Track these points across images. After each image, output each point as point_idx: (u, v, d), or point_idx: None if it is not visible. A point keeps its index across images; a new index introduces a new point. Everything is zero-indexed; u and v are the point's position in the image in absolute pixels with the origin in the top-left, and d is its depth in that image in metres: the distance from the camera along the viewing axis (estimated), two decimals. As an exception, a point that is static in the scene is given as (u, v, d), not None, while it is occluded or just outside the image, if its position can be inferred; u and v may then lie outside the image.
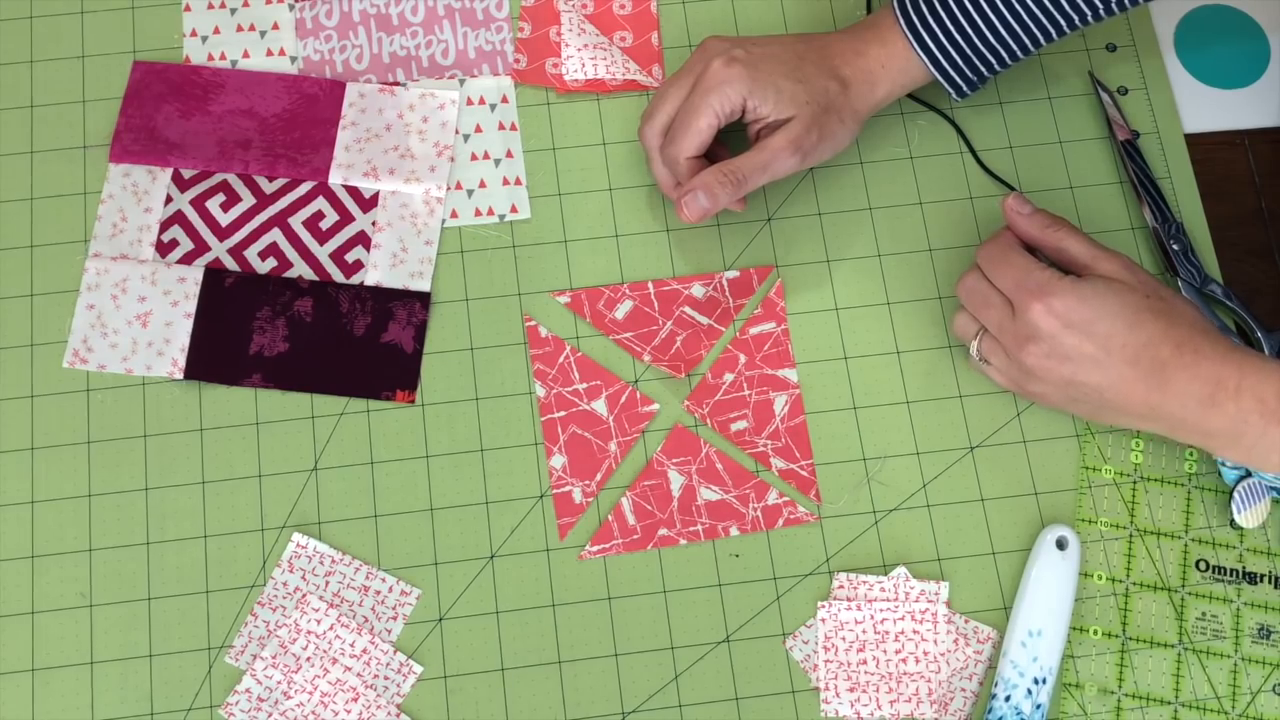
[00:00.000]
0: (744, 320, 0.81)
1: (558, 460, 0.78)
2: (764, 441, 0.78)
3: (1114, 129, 0.85)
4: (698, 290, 0.82)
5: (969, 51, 0.79)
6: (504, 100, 0.86)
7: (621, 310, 0.81)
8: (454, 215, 0.83)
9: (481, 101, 0.86)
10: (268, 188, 0.83)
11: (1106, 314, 0.70)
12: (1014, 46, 0.79)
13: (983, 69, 0.80)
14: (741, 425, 0.79)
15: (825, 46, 0.80)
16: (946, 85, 0.80)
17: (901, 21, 0.79)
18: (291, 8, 0.87)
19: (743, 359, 0.80)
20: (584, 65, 0.85)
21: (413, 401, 0.79)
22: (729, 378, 0.80)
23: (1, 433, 0.78)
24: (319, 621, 0.75)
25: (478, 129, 0.85)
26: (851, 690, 0.74)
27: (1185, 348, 0.70)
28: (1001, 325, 0.73)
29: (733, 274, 0.82)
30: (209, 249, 0.81)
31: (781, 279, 0.82)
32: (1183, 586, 0.77)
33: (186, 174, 0.83)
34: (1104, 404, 0.72)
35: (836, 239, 0.84)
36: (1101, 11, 0.78)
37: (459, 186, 0.84)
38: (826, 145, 0.78)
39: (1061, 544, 0.75)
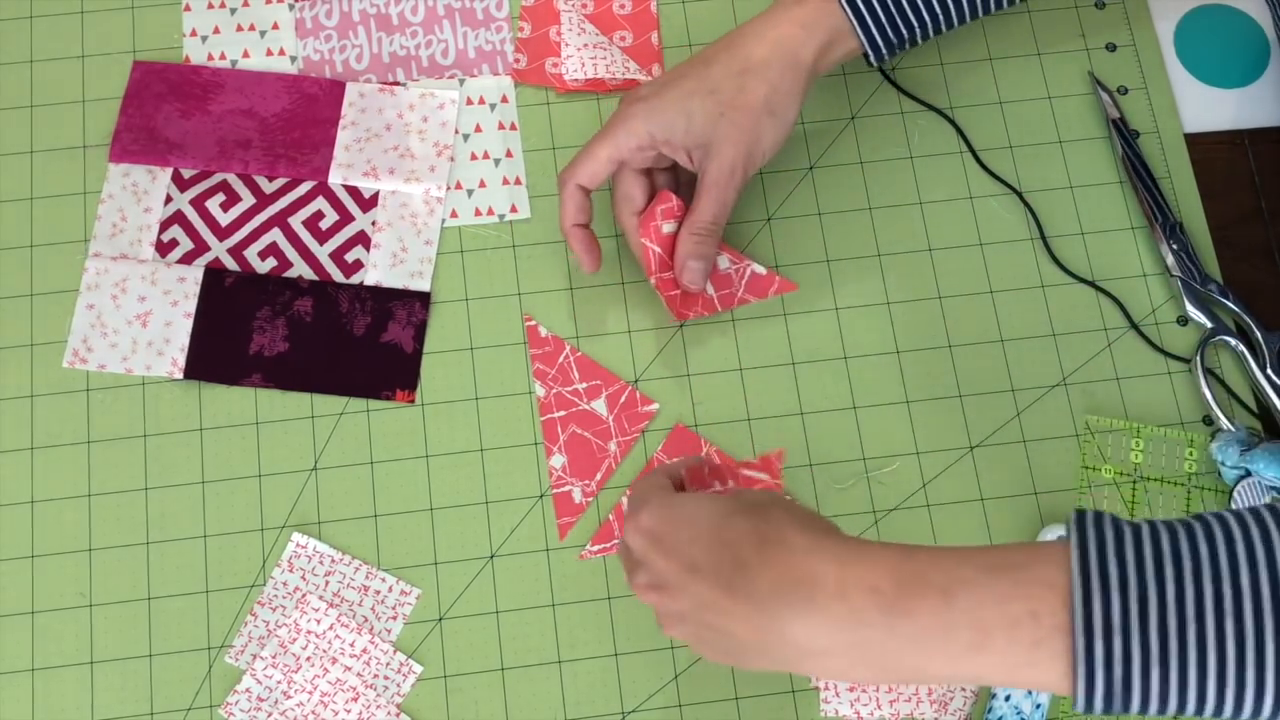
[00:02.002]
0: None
1: (557, 460, 0.78)
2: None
3: (1110, 121, 0.85)
4: (723, 261, 0.81)
5: (891, 6, 0.75)
6: (504, 100, 0.86)
7: (667, 227, 0.78)
8: (454, 215, 0.83)
9: (481, 101, 0.86)
10: (267, 187, 0.83)
11: (689, 521, 0.60)
12: (940, 14, 0.76)
13: (905, 30, 0.76)
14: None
15: (736, 35, 0.75)
16: (865, 42, 0.76)
17: None
18: (291, 7, 0.87)
19: (732, 484, 0.71)
20: (584, 65, 0.85)
21: (412, 401, 0.79)
22: (717, 486, 0.71)
23: (1, 433, 0.78)
24: (319, 621, 0.75)
25: (477, 129, 0.85)
26: (851, 690, 0.74)
27: (772, 543, 0.58)
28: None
29: (759, 269, 0.81)
30: (209, 249, 0.82)
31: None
32: (1182, 586, 0.76)
33: (186, 174, 0.83)
34: (719, 642, 0.60)
35: (836, 239, 0.84)
36: None
37: (459, 186, 0.84)
38: (765, 145, 0.75)
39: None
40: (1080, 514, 0.56)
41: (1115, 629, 0.52)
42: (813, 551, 0.58)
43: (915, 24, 0.77)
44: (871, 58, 0.78)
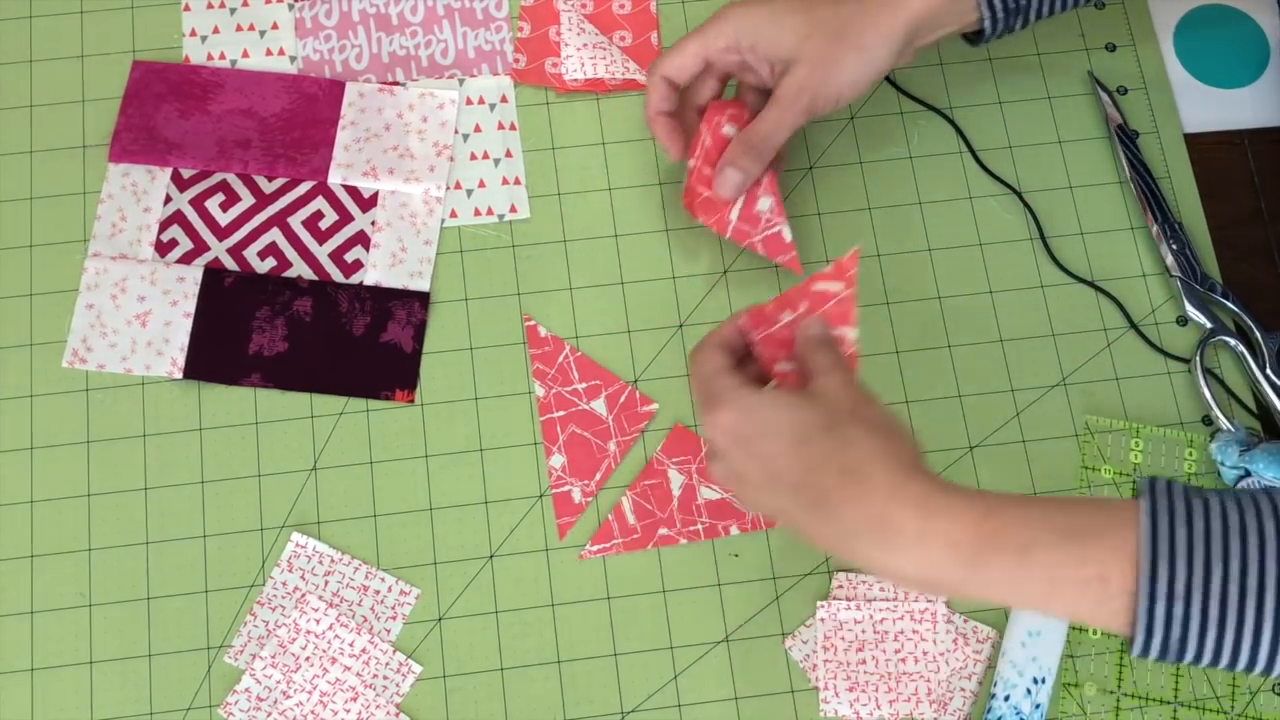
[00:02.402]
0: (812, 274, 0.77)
1: (557, 460, 0.78)
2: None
3: (1112, 126, 0.85)
4: (765, 203, 0.78)
5: None
6: (503, 100, 0.86)
7: (728, 129, 0.77)
8: (453, 215, 0.83)
9: (481, 101, 0.86)
10: (267, 187, 0.83)
11: (771, 431, 0.62)
12: None
13: None
14: (785, 367, 0.72)
15: None
16: (985, 5, 0.74)
17: None
18: (291, 7, 0.87)
19: (804, 306, 0.72)
20: (583, 64, 0.85)
21: (412, 401, 0.79)
22: (787, 316, 0.72)
23: (1, 433, 0.78)
24: (318, 621, 0.75)
25: (477, 128, 0.85)
26: (851, 690, 0.74)
27: (852, 476, 0.60)
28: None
29: (787, 235, 0.78)
30: (208, 249, 0.82)
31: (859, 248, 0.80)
32: (1182, 586, 0.76)
33: (186, 174, 0.83)
34: (799, 533, 0.64)
35: (836, 239, 0.84)
36: None
37: (458, 186, 0.84)
38: (843, 78, 0.73)
39: (1061, 544, 0.75)
40: (1151, 481, 0.59)
41: (1178, 596, 0.56)
42: (895, 496, 0.59)
43: None
44: (986, 20, 0.75)
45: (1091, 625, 0.61)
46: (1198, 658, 0.57)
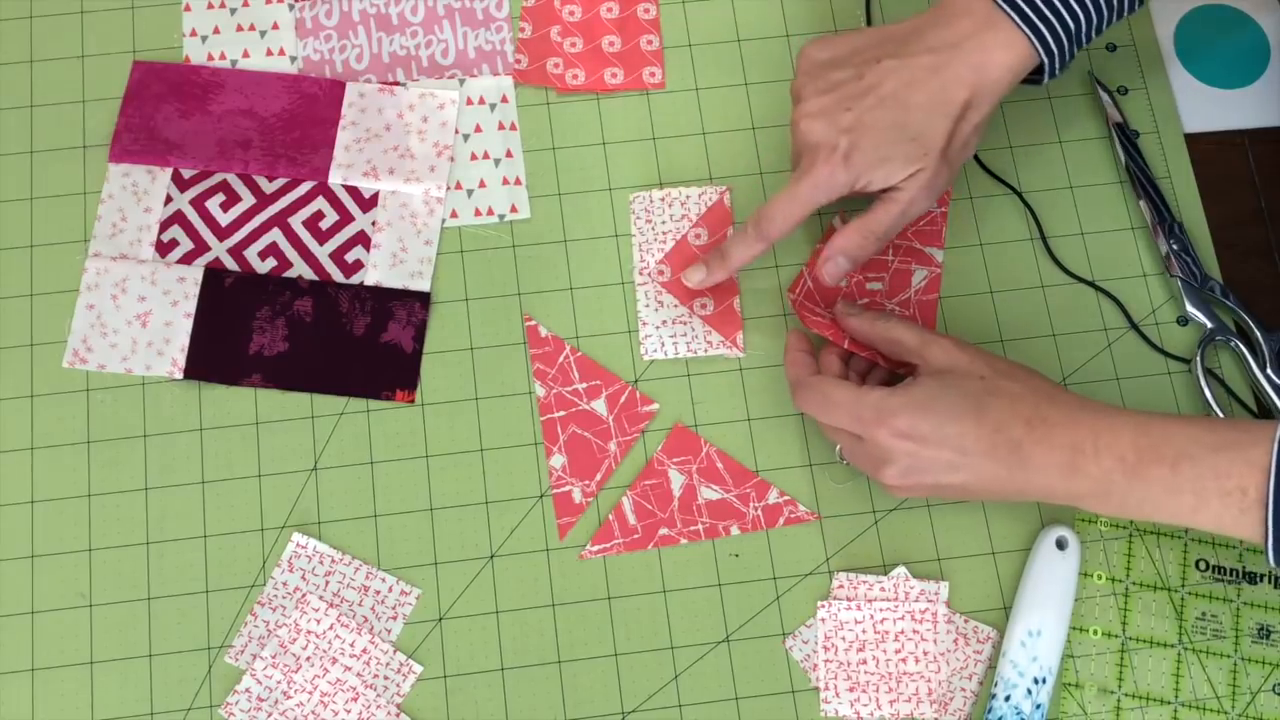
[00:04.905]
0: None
1: (557, 460, 0.78)
2: (893, 306, 0.81)
3: (1112, 126, 0.85)
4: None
5: (1065, 14, 0.73)
6: (504, 100, 0.86)
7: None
8: (454, 215, 0.83)
9: (481, 101, 0.86)
10: (267, 188, 0.83)
11: (950, 415, 0.69)
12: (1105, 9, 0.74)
13: (1074, 29, 0.73)
14: (876, 286, 0.81)
15: (931, 63, 0.73)
16: (1043, 55, 0.73)
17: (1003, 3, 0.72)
18: (291, 7, 0.87)
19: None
20: (663, 344, 0.81)
21: (412, 401, 0.79)
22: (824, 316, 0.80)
23: (1, 433, 0.78)
24: (319, 621, 0.75)
25: (477, 129, 0.85)
26: (851, 690, 0.74)
27: (1035, 422, 0.68)
28: (854, 452, 0.73)
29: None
30: (209, 249, 0.82)
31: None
32: (1183, 586, 0.77)
33: (186, 174, 0.83)
34: (972, 495, 0.71)
35: (836, 239, 0.84)
36: None
37: (459, 186, 0.84)
38: (957, 165, 0.76)
39: (1061, 544, 0.75)
40: None
41: None
42: (1071, 424, 0.68)
43: (1084, 22, 0.74)
44: (1047, 71, 0.75)
45: (1235, 535, 0.67)
46: None
